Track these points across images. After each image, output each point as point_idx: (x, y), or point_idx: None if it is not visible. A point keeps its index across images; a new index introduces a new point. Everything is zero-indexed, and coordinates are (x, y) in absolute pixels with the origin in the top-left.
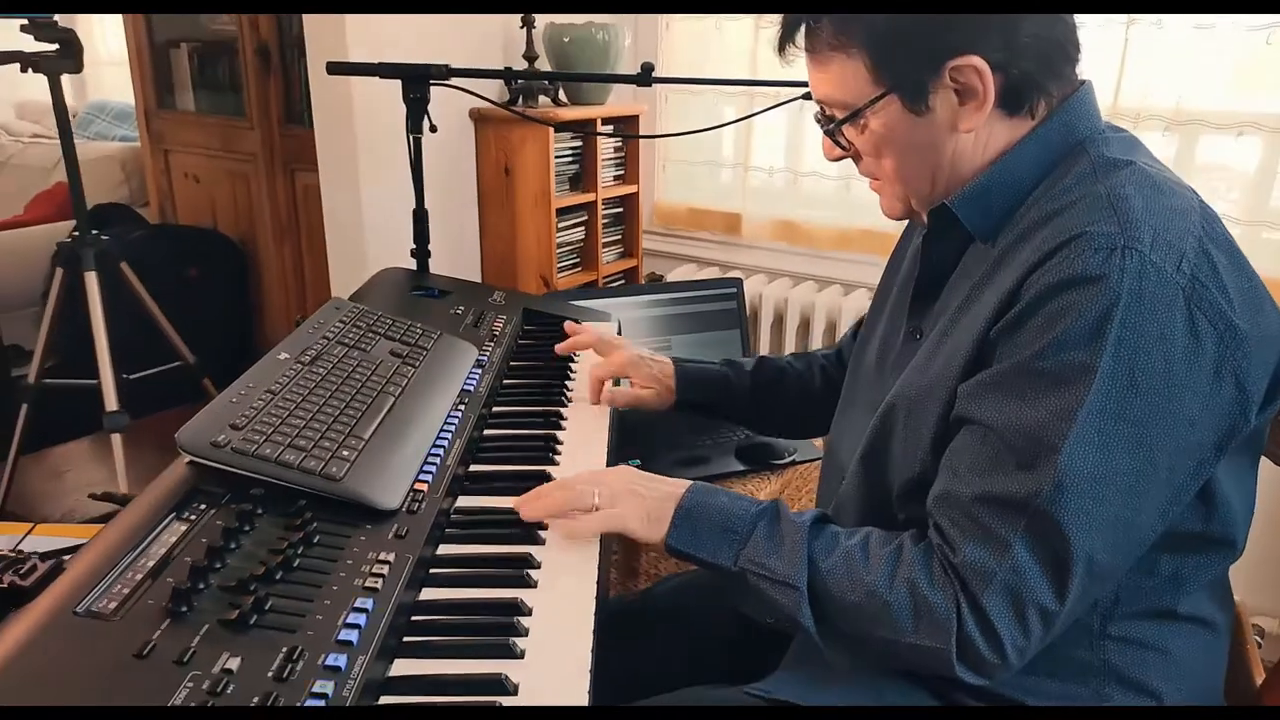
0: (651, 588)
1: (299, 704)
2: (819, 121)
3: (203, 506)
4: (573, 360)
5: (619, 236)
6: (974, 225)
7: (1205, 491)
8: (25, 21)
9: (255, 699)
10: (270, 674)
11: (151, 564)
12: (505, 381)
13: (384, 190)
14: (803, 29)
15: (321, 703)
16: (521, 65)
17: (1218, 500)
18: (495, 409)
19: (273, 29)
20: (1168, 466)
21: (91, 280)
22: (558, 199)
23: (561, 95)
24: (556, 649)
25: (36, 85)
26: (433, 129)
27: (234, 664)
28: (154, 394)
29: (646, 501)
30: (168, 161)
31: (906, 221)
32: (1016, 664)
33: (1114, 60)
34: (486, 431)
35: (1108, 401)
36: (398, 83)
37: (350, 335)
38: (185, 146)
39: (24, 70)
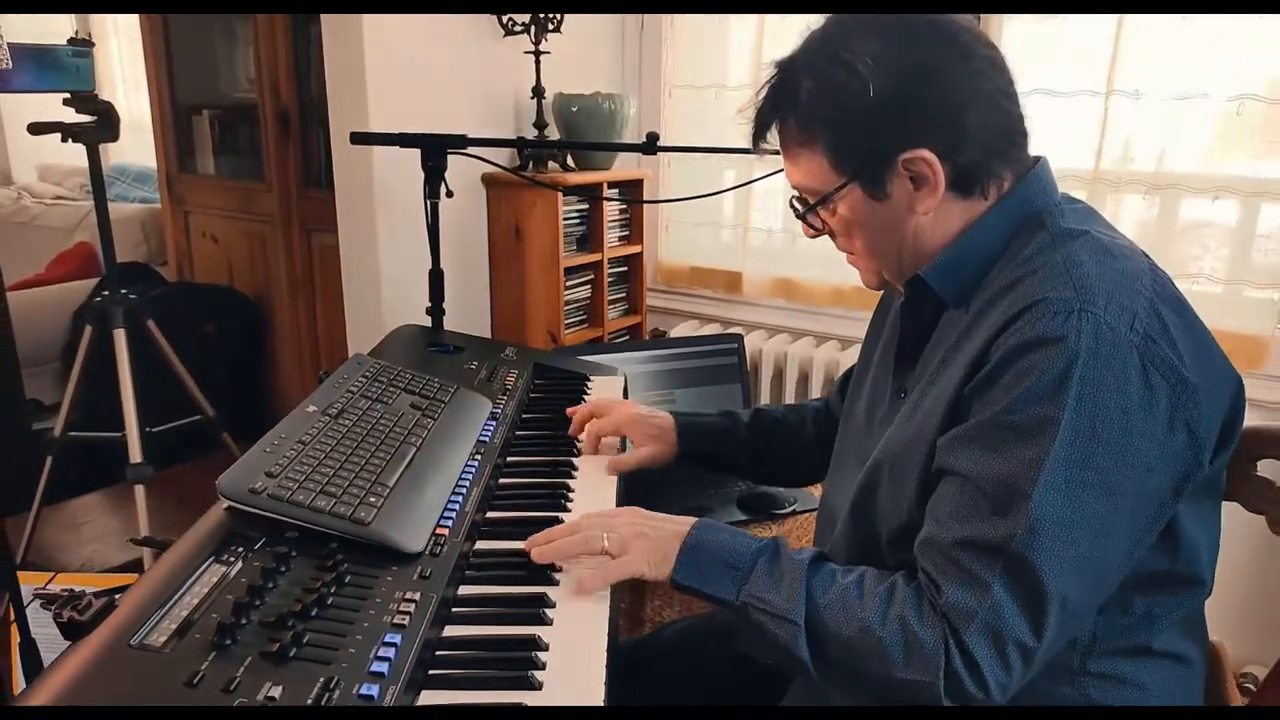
0: (657, 631)
1: None
2: (793, 206)
3: (240, 549)
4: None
5: (623, 294)
6: (946, 293)
7: (1169, 532)
8: (68, 95)
9: None
10: (309, 701)
11: (196, 601)
12: (518, 433)
13: (400, 251)
14: (773, 125)
15: None
16: (532, 134)
17: (1182, 540)
18: (509, 459)
19: (292, 95)
20: (1130, 510)
21: (120, 337)
22: (565, 259)
23: (570, 161)
24: (572, 680)
25: (58, 149)
26: (449, 194)
27: (276, 692)
28: (172, 447)
29: (653, 542)
30: (187, 222)
31: None
32: (1000, 699)
33: (1094, 129)
34: (501, 480)
35: (1072, 451)
36: (416, 151)
37: (373, 390)
38: (204, 208)
39: (64, 140)
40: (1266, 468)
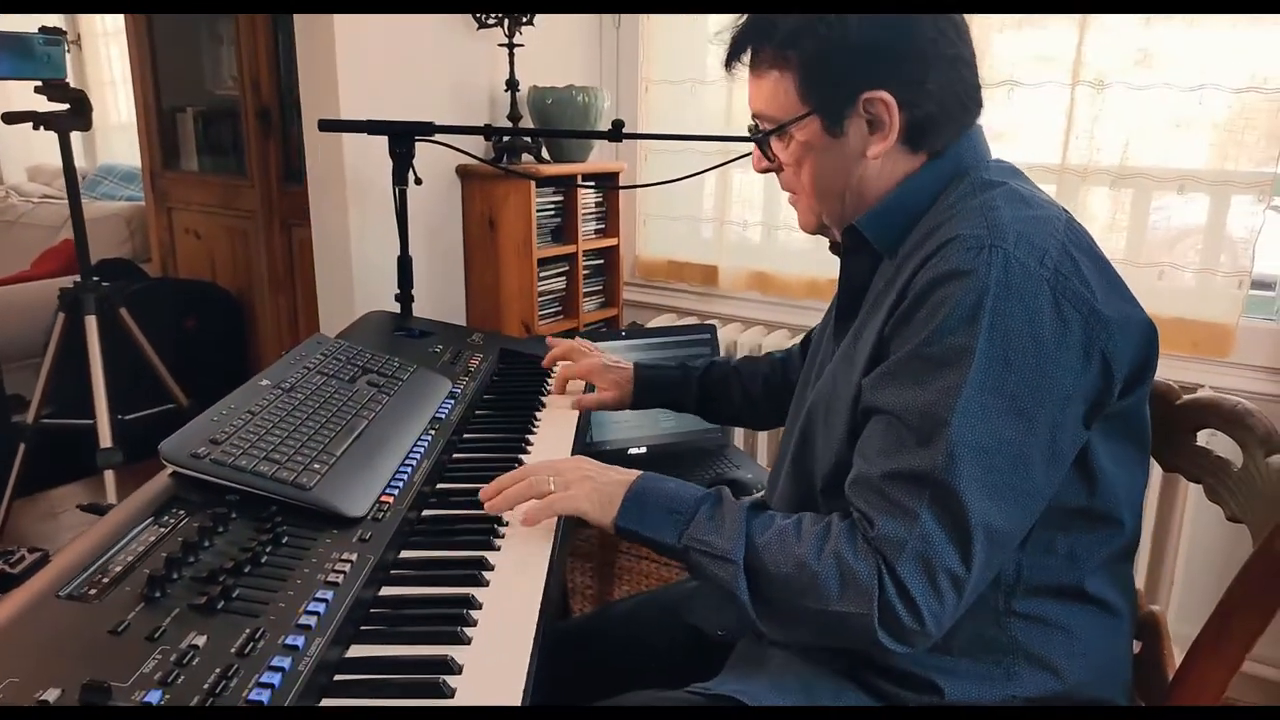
0: (606, 607)
1: (258, 676)
2: (751, 132)
3: (181, 512)
4: (543, 394)
5: (600, 287)
6: (878, 241)
7: (1084, 464)
8: (40, 83)
9: (218, 669)
10: (233, 650)
11: (130, 559)
12: (477, 411)
13: (372, 240)
14: (749, 47)
15: (278, 676)
16: (505, 121)
17: (1099, 474)
18: (465, 435)
19: (273, 93)
20: (1047, 437)
21: (91, 324)
22: (539, 250)
23: (545, 154)
24: (503, 638)
25: (47, 150)
26: (418, 181)
27: (200, 641)
28: (149, 439)
29: (598, 485)
30: (170, 219)
31: None
32: (933, 630)
33: (1060, 120)
34: (455, 455)
35: (986, 378)
36: (386, 140)
37: (330, 366)
38: (187, 204)
39: (35, 128)
40: (1205, 439)
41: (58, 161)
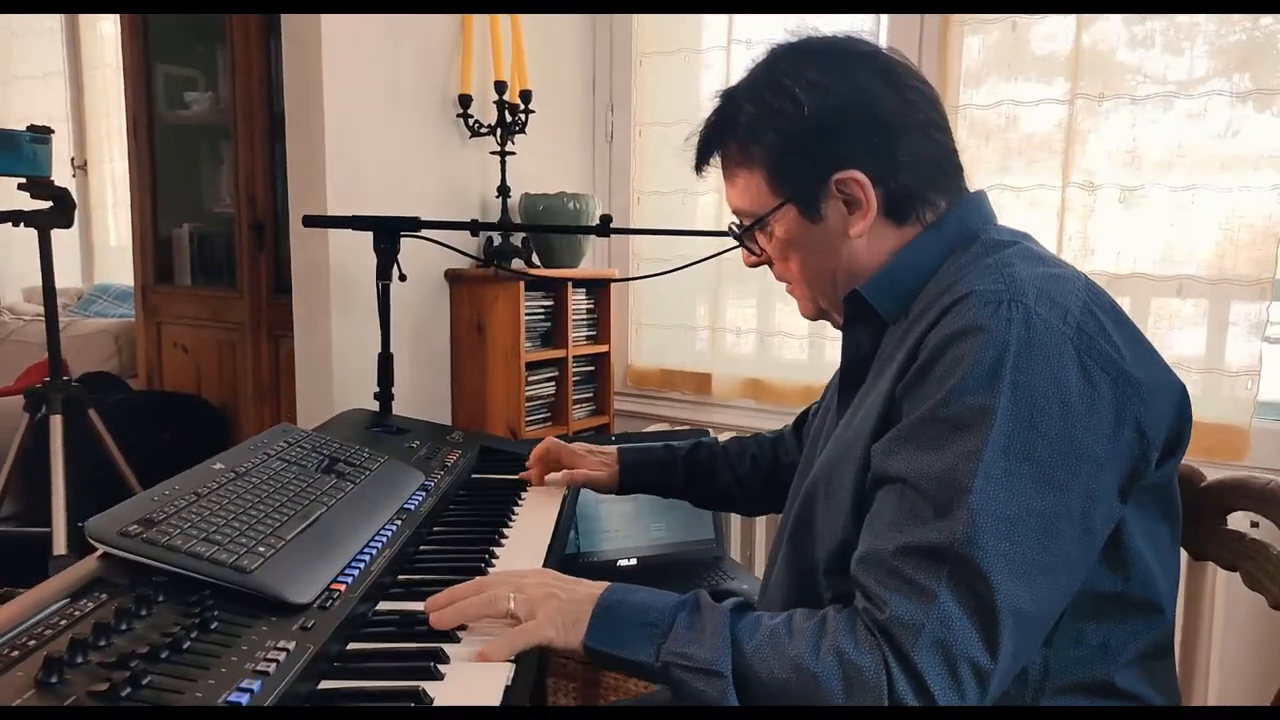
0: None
1: None
2: (732, 230)
3: (102, 595)
4: (523, 491)
5: (591, 394)
6: (883, 307)
7: (1117, 545)
8: (24, 180)
9: None
10: None
11: (32, 642)
12: (451, 506)
13: (355, 339)
14: (715, 148)
15: None
16: (496, 233)
17: (1131, 556)
18: (435, 528)
19: (269, 207)
20: (1079, 510)
21: (56, 424)
22: (528, 354)
23: (535, 260)
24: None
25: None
26: (402, 278)
27: None
28: None
29: (563, 604)
30: (159, 333)
31: None
32: None
33: (1052, 223)
34: (422, 547)
35: (1010, 441)
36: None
37: (292, 454)
38: (177, 318)
39: (15, 225)
40: (1237, 521)
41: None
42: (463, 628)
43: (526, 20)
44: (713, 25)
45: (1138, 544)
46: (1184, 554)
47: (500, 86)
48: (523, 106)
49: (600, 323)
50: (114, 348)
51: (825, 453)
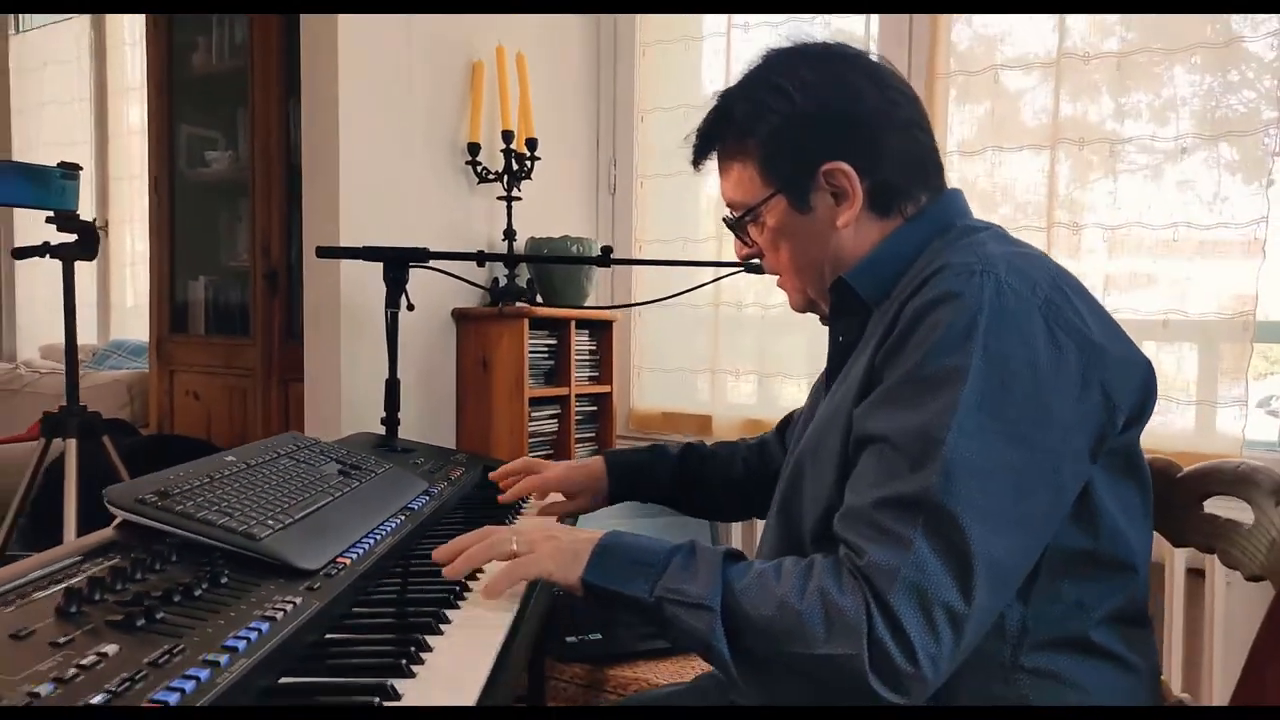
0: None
1: (167, 684)
2: (726, 222)
3: (116, 556)
4: (522, 506)
5: (593, 434)
6: (866, 292)
7: (1086, 505)
8: (51, 213)
9: (123, 674)
10: (145, 660)
11: (51, 585)
12: (453, 511)
13: (364, 368)
14: (712, 142)
15: (190, 684)
16: (503, 274)
17: (1101, 516)
18: (436, 528)
19: (282, 258)
20: (1049, 468)
21: (71, 446)
22: (532, 390)
23: (539, 300)
24: (454, 666)
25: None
26: (410, 307)
27: (110, 649)
28: None
29: (563, 544)
30: (172, 381)
31: None
32: (930, 674)
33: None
34: (424, 540)
35: (982, 399)
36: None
37: (301, 455)
38: (189, 366)
39: (41, 256)
40: (1212, 507)
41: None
42: (464, 597)
43: (533, 70)
44: (712, 78)
45: (1106, 504)
46: (1179, 555)
47: (507, 135)
48: (529, 154)
49: (603, 363)
50: (127, 397)
51: (811, 426)
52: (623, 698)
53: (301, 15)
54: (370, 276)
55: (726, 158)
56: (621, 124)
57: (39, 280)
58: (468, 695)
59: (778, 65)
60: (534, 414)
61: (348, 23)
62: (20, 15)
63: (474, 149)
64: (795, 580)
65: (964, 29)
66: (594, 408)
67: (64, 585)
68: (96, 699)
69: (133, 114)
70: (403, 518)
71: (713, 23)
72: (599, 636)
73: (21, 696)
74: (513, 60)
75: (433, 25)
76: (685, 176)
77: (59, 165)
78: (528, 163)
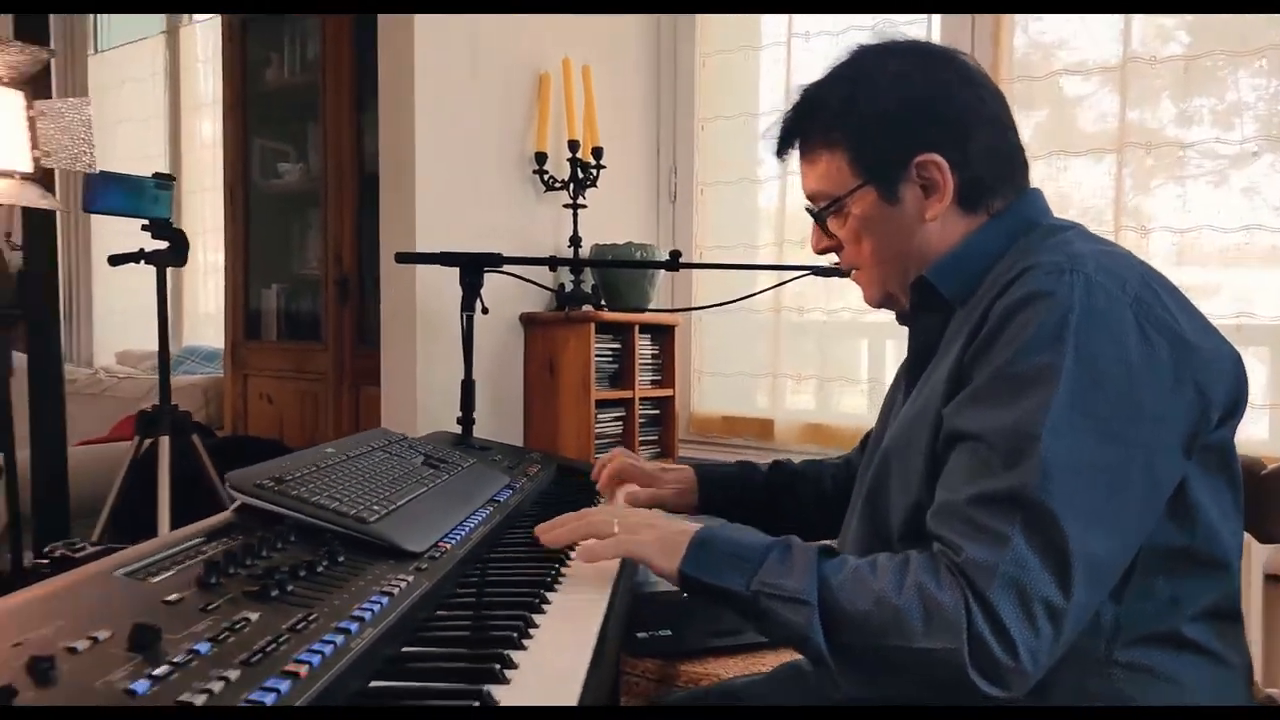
0: (663, 698)
1: (308, 647)
2: (810, 213)
3: (239, 536)
4: (598, 501)
5: (656, 436)
6: (949, 291)
7: (1182, 501)
8: (147, 222)
9: (268, 636)
10: (284, 626)
11: (186, 560)
12: (534, 504)
13: (438, 370)
14: (798, 132)
15: (329, 648)
16: (569, 280)
17: (1197, 512)
18: (522, 519)
19: (354, 265)
20: (1143, 463)
21: (164, 443)
22: (597, 392)
23: (603, 304)
24: (557, 652)
25: (136, 337)
26: (484, 310)
27: (252, 616)
28: None
29: (662, 533)
30: (246, 385)
31: None
32: (1030, 668)
33: None
34: (512, 529)
35: (1074, 396)
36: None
37: (391, 450)
38: (263, 371)
39: (135, 262)
40: None
41: (143, 347)
42: (561, 578)
43: (596, 81)
44: (771, 87)
45: (1201, 500)
46: (1258, 550)
47: (573, 145)
48: (594, 163)
49: (665, 368)
50: (202, 400)
51: (895, 425)
52: (698, 688)
53: (379, 30)
54: (444, 282)
55: (813, 148)
56: (682, 132)
57: (114, 289)
58: (580, 659)
59: (868, 58)
60: (599, 416)
61: (423, 36)
62: (99, 35)
63: (541, 158)
64: (892, 575)
65: (1021, 36)
66: (656, 411)
67: (196, 560)
68: (252, 658)
69: (205, 129)
70: (490, 508)
71: (772, 32)
72: (669, 633)
73: (185, 653)
74: (578, 72)
75: (501, 39)
76: (746, 184)
77: (153, 176)
78: (593, 171)
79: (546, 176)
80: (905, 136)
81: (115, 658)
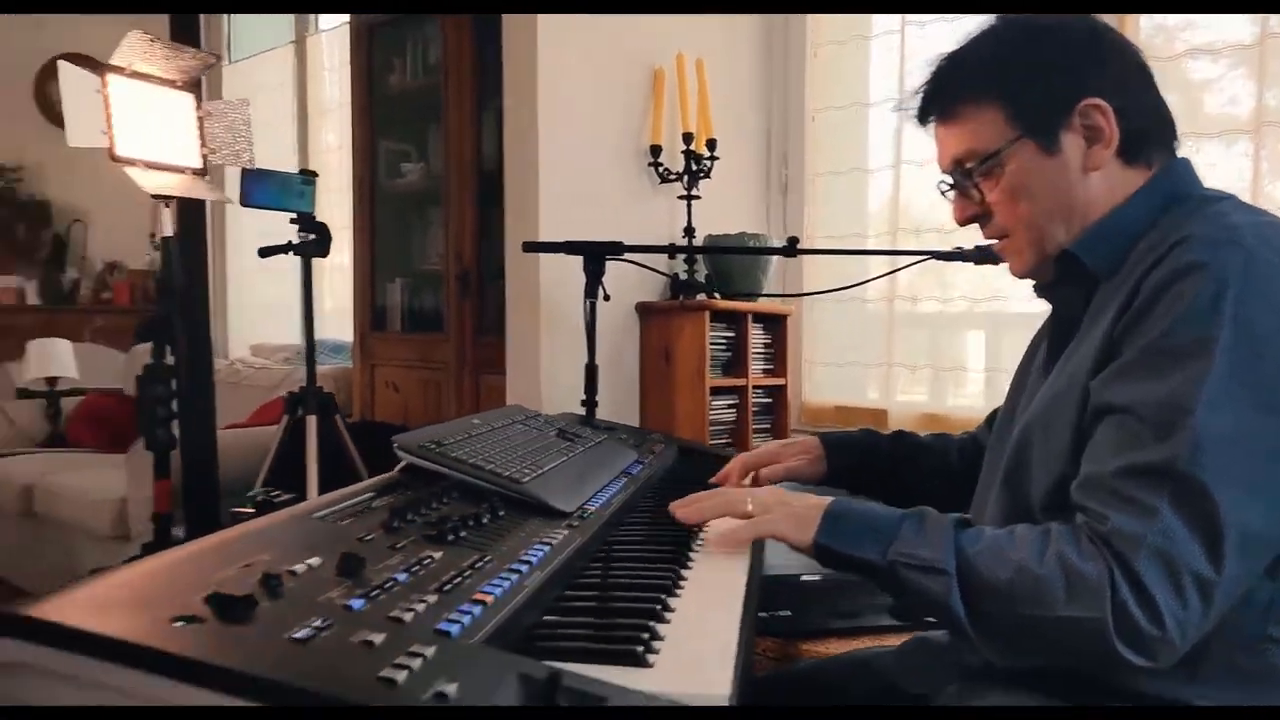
0: (791, 663)
1: (489, 582)
2: (956, 183)
3: (408, 491)
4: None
5: (768, 425)
6: (1095, 264)
7: None
8: (294, 215)
9: (451, 572)
10: (464, 564)
11: (360, 508)
12: (662, 481)
13: (560, 353)
14: (945, 91)
15: (506, 583)
16: (683, 270)
17: None
18: (653, 493)
19: (474, 260)
20: None
21: (311, 422)
22: (711, 379)
23: (716, 295)
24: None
25: (267, 330)
26: (605, 297)
27: (435, 555)
28: None
29: (795, 509)
30: (373, 374)
31: None
32: (1178, 640)
33: None
34: (646, 500)
35: (1233, 368)
36: (578, 278)
37: (529, 424)
38: (388, 361)
39: (284, 253)
40: None
41: (274, 340)
42: (696, 549)
43: (709, 74)
44: (883, 75)
45: None
46: None
47: (687, 137)
48: (708, 154)
49: (777, 357)
50: (332, 388)
51: (1038, 399)
52: (827, 656)
53: (504, 31)
54: (566, 272)
55: (960, 107)
56: (793, 123)
57: (244, 285)
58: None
59: (1010, 17)
60: (713, 403)
61: (545, 36)
62: (232, 47)
63: (655, 151)
64: (1032, 545)
65: (1146, 18)
66: (768, 400)
67: (374, 510)
68: (443, 587)
69: (329, 133)
70: (625, 479)
71: (884, 21)
72: (788, 613)
73: (386, 580)
74: (692, 66)
75: (617, 37)
76: (857, 174)
77: (300, 172)
78: (706, 163)
79: (661, 169)
80: (1067, 81)
81: (328, 581)
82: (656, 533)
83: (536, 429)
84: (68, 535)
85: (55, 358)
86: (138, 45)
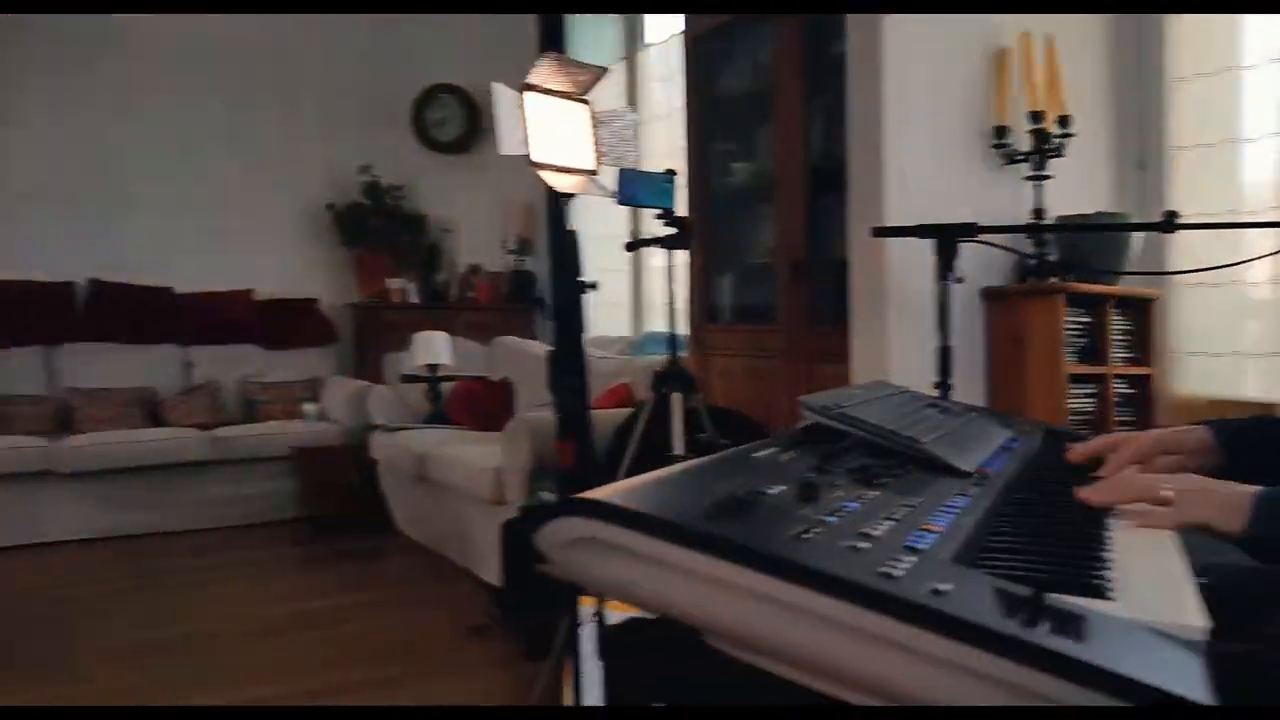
0: None
1: (930, 517)
2: None
3: (814, 447)
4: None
5: (1132, 418)
6: None
7: None
8: (659, 211)
9: (890, 509)
10: (901, 504)
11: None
12: (1046, 456)
13: (907, 339)
14: None
15: (947, 519)
16: (1030, 250)
17: None
18: (1040, 471)
19: (803, 250)
20: None
21: (676, 400)
22: (1068, 366)
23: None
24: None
25: (604, 324)
26: (959, 280)
27: (871, 495)
28: None
29: (1219, 494)
30: (708, 363)
31: None
32: None
33: None
34: (1035, 473)
35: None
36: (924, 259)
37: (897, 398)
38: (721, 350)
39: (650, 246)
40: None
41: (611, 333)
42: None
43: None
44: (1259, 33)
45: None
46: None
47: (1035, 116)
48: (1059, 132)
49: (1140, 344)
50: None
51: None
52: None
53: (848, 28)
54: (911, 256)
55: None
56: (1150, 94)
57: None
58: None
59: None
60: (1070, 391)
61: (889, 29)
62: None
63: (1000, 131)
64: None
65: None
66: (1131, 390)
67: (796, 457)
68: (891, 516)
69: (658, 140)
70: (1008, 452)
71: None
72: None
73: (841, 507)
74: (1039, 44)
75: (959, 23)
76: (1228, 145)
77: (665, 171)
78: (1056, 141)
79: (1006, 149)
80: None
81: (793, 504)
82: (1063, 503)
83: (908, 402)
84: (454, 498)
85: (435, 348)
86: (548, 65)
